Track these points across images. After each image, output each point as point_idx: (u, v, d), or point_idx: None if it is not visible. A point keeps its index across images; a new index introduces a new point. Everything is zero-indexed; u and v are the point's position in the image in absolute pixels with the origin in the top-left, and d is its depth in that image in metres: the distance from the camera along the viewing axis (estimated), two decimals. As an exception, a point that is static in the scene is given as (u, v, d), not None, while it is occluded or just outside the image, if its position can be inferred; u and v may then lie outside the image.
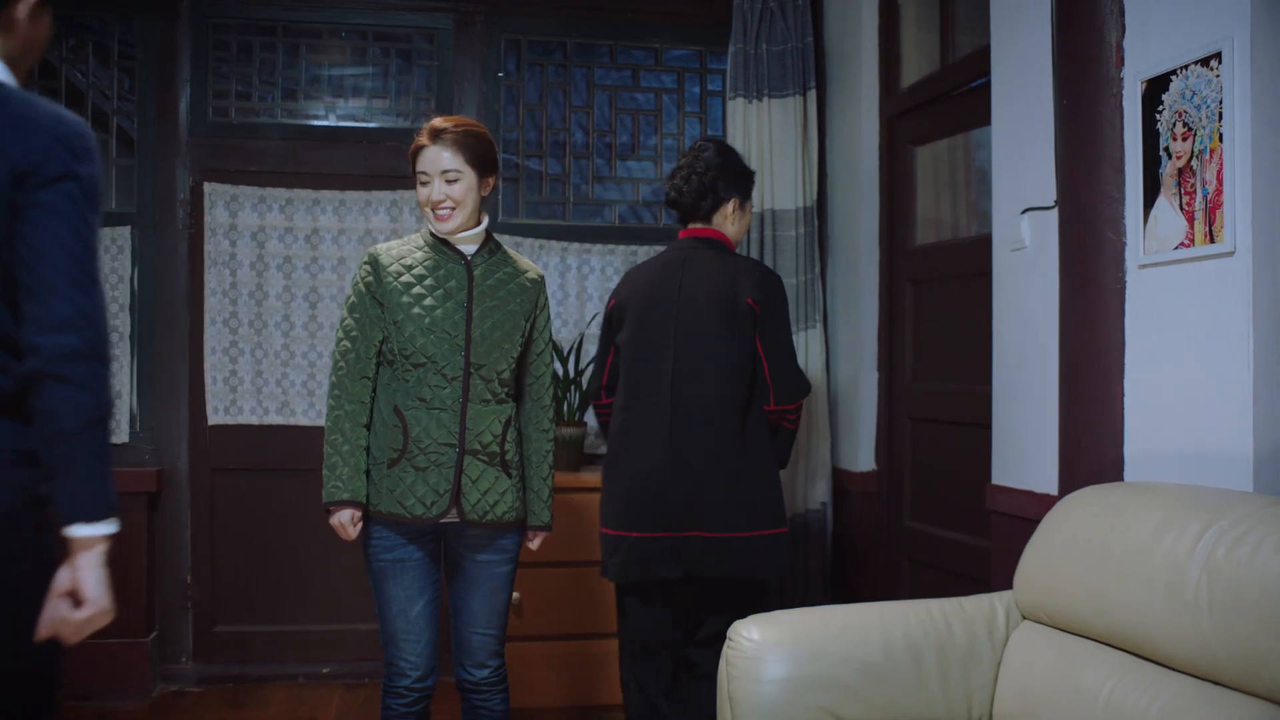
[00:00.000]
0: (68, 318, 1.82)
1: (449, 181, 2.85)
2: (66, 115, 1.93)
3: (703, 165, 3.38)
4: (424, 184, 2.88)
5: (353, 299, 2.92)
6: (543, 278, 3.06)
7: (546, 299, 3.05)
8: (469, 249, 2.94)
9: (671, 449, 3.21)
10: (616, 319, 3.44)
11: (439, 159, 2.86)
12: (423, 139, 2.88)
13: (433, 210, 2.87)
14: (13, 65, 2.01)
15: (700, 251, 3.35)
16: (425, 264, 2.90)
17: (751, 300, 3.22)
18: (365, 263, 2.93)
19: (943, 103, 4.13)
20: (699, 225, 3.41)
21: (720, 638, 3.01)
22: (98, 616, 1.86)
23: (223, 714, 4.27)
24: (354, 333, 2.90)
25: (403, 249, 2.94)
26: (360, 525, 2.88)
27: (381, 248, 2.95)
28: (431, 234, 2.95)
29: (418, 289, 2.86)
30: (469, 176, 2.87)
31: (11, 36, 2.01)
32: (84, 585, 1.85)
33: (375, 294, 2.88)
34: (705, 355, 3.23)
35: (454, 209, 2.86)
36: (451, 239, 2.91)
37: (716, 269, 3.29)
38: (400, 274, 2.88)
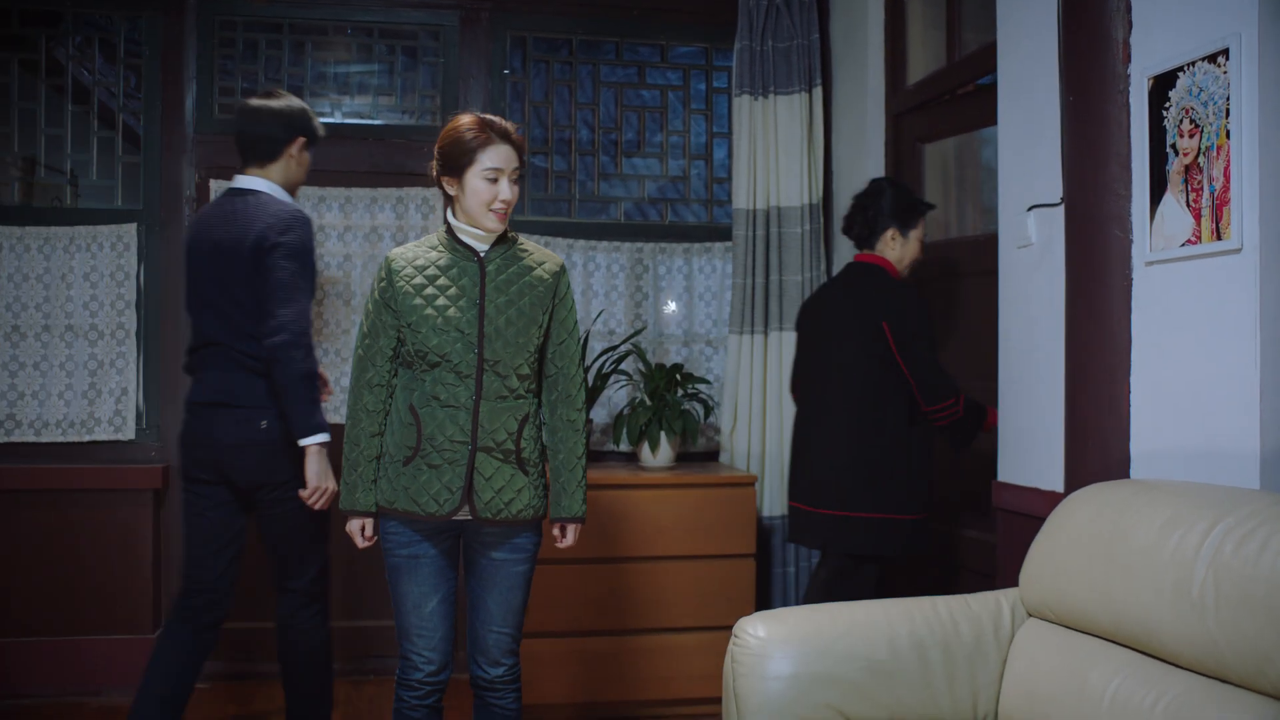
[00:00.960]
0: (281, 323, 3.25)
1: (513, 181, 2.85)
2: (285, 208, 3.39)
3: (871, 200, 3.84)
4: (492, 180, 2.82)
5: (368, 306, 2.93)
6: (563, 267, 3.00)
7: (568, 288, 3.00)
8: (483, 246, 2.91)
9: (812, 441, 3.83)
10: (799, 327, 4.06)
11: (511, 158, 2.84)
12: (486, 134, 2.82)
13: (489, 208, 2.83)
14: (287, 187, 3.54)
15: (855, 276, 3.85)
16: (438, 264, 2.88)
17: (885, 324, 3.63)
18: (381, 268, 2.92)
19: (949, 104, 4.13)
20: (864, 251, 3.88)
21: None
22: (319, 491, 3.32)
23: (229, 710, 4.28)
24: (366, 340, 2.92)
25: (417, 251, 2.92)
26: (373, 537, 2.97)
27: (396, 252, 2.93)
28: (448, 233, 2.92)
29: (430, 290, 2.84)
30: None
31: (286, 167, 3.54)
32: (309, 474, 3.32)
33: (387, 300, 2.87)
34: (839, 365, 3.75)
35: (509, 210, 2.87)
36: (469, 237, 2.89)
37: (860, 293, 3.77)
38: (413, 276, 2.86)
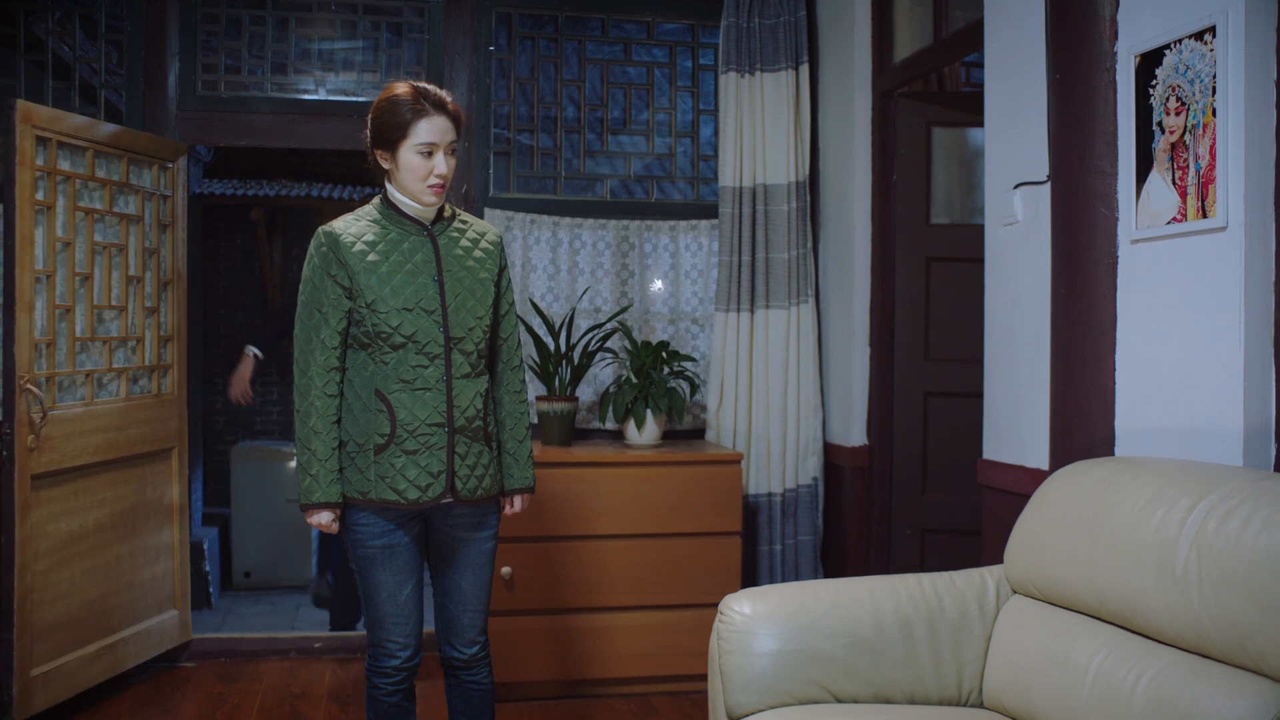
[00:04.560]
0: None
1: (450, 155, 2.77)
2: None
3: None
4: (426, 155, 2.73)
5: (312, 283, 2.76)
6: (500, 238, 2.99)
7: (506, 259, 2.99)
8: (428, 219, 2.84)
9: None
10: None
11: (447, 131, 2.74)
12: (421, 105, 2.72)
13: (425, 183, 2.75)
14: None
15: None
16: (388, 239, 2.78)
17: None
18: (320, 245, 2.76)
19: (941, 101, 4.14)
20: None
21: None
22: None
23: (215, 688, 4.28)
24: (315, 318, 2.76)
25: (360, 225, 2.80)
26: (338, 525, 2.82)
27: (338, 226, 2.79)
28: (387, 206, 2.83)
29: (386, 267, 2.74)
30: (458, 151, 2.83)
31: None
32: None
33: (337, 277, 2.75)
34: None
35: (447, 185, 2.78)
36: (413, 211, 2.81)
37: None
38: (365, 253, 2.75)
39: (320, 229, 2.80)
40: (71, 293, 3.99)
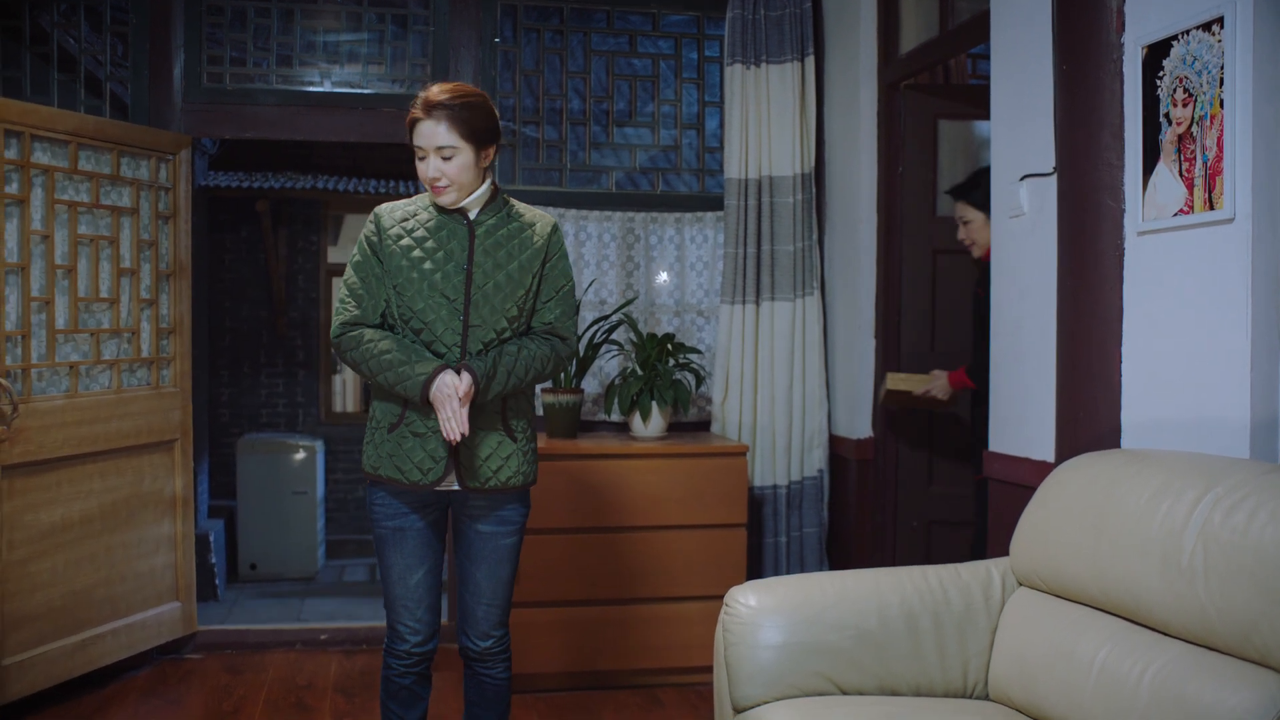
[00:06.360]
0: None
1: (445, 158, 2.74)
2: None
3: None
4: (420, 159, 2.78)
5: (358, 257, 2.86)
6: (555, 226, 2.92)
7: (560, 247, 2.92)
8: (475, 208, 2.84)
9: None
10: None
11: (434, 135, 2.72)
12: (417, 111, 2.75)
13: (427, 184, 2.79)
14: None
15: None
16: (427, 225, 2.82)
17: None
18: (370, 221, 2.87)
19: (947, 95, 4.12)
20: None
21: None
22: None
23: (221, 679, 4.29)
24: (359, 290, 2.83)
25: (407, 209, 2.86)
26: (468, 382, 2.73)
27: (385, 208, 2.88)
28: None
29: (417, 251, 2.79)
30: (466, 153, 2.75)
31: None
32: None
33: (378, 253, 2.82)
34: None
35: (450, 185, 2.77)
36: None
37: None
38: (400, 236, 2.81)
39: (375, 209, 2.90)
40: (51, 285, 3.97)
